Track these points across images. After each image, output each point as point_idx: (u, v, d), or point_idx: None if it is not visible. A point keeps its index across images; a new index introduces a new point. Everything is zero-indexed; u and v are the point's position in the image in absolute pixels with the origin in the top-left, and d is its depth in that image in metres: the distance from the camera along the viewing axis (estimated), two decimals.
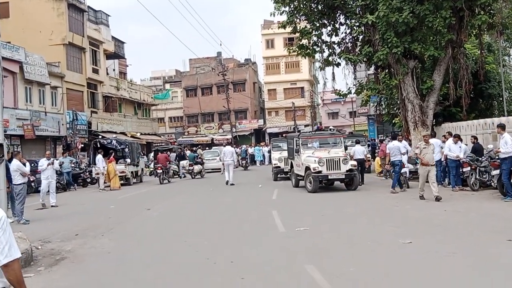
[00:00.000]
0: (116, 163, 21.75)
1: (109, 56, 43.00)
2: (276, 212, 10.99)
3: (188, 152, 30.89)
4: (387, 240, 7.41)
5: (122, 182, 21.80)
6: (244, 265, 6.36)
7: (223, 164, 22.52)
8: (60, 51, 34.02)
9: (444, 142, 15.29)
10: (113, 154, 21.36)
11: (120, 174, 21.72)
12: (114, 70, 46.79)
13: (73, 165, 22.72)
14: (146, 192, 19.25)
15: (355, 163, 15.80)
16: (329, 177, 15.08)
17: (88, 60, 37.07)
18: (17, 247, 2.72)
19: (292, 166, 18.15)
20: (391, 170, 15.81)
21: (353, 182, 15.39)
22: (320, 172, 14.87)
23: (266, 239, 8.03)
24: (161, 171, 23.07)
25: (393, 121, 24.33)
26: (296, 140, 17.20)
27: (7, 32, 31.99)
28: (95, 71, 38.18)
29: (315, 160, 15.08)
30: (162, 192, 19.14)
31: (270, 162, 36.70)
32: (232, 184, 19.63)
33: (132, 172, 23.46)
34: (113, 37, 43.81)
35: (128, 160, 22.84)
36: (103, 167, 20.29)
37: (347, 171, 15.06)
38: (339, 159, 15.19)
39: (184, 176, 25.36)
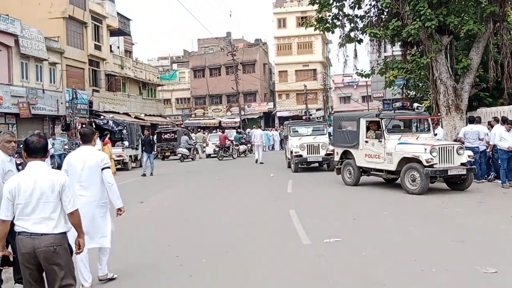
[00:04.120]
0: (113, 146, 19.75)
1: (113, 32, 40.82)
2: (294, 212, 8.92)
3: (234, 133, 32.08)
4: (459, 265, 5.31)
5: (119, 166, 19.82)
6: None
7: (252, 145, 26.77)
8: (60, 25, 31.88)
9: (489, 129, 13.08)
10: (108, 135, 19.29)
11: (117, 158, 19.72)
12: (118, 47, 44.63)
13: (66, 146, 20.73)
14: (145, 179, 17.26)
15: (472, 153, 11.73)
16: (449, 172, 10.89)
17: (90, 35, 34.92)
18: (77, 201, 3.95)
19: (345, 157, 13.75)
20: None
21: (467, 180, 11.23)
22: (432, 165, 10.80)
23: (286, 258, 5.98)
24: (218, 149, 26.29)
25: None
26: (367, 122, 12.85)
27: (5, 4, 30.04)
28: (98, 47, 36.05)
29: (425, 149, 10.93)
30: (162, 179, 17.19)
31: (281, 147, 34.88)
32: (261, 163, 21.82)
33: (130, 156, 21.46)
34: (118, 13, 41.56)
35: (126, 143, 20.83)
36: (98, 150, 18.24)
37: (461, 164, 11.13)
38: (453, 147, 11.22)
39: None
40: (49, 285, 3.70)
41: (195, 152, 29.11)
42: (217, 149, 26.59)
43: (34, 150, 3.77)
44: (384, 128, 12.07)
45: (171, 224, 8.74)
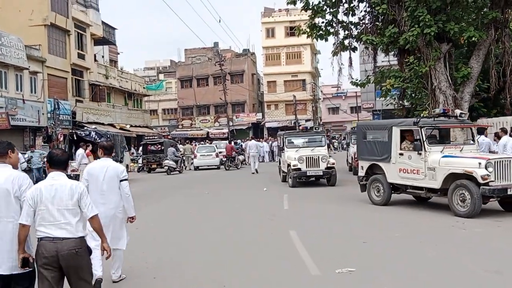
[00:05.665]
0: (96, 158, 18.62)
1: (98, 41, 39.73)
2: (295, 234, 7.96)
3: (223, 144, 32.12)
4: None
5: None
6: None
7: (248, 156, 27.72)
8: (41, 33, 30.71)
9: (495, 140, 12.34)
10: (89, 147, 18.16)
11: None
12: (103, 57, 43.51)
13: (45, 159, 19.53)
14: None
15: None
16: (509, 191, 9.10)
17: (73, 44, 33.78)
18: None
19: (371, 172, 11.88)
20: None
21: None
22: (488, 183, 9.04)
23: None
24: (225, 159, 26.90)
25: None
26: (401, 132, 11.00)
27: None
28: (81, 56, 34.92)
29: (479, 164, 9.19)
30: (148, 194, 16.13)
31: (272, 159, 33.90)
32: (256, 172, 22.87)
33: None
34: (103, 22, 40.52)
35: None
36: (84, 163, 17.10)
37: None
38: (509, 161, 9.39)
39: None
40: (71, 286, 3.97)
41: (182, 165, 28.06)
42: (224, 159, 27.07)
43: (57, 162, 4.11)
44: (424, 139, 10.25)
45: (157, 248, 7.71)
